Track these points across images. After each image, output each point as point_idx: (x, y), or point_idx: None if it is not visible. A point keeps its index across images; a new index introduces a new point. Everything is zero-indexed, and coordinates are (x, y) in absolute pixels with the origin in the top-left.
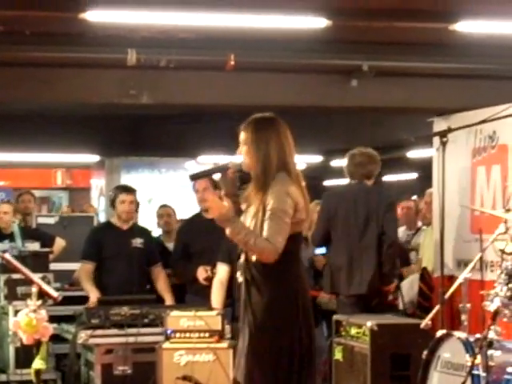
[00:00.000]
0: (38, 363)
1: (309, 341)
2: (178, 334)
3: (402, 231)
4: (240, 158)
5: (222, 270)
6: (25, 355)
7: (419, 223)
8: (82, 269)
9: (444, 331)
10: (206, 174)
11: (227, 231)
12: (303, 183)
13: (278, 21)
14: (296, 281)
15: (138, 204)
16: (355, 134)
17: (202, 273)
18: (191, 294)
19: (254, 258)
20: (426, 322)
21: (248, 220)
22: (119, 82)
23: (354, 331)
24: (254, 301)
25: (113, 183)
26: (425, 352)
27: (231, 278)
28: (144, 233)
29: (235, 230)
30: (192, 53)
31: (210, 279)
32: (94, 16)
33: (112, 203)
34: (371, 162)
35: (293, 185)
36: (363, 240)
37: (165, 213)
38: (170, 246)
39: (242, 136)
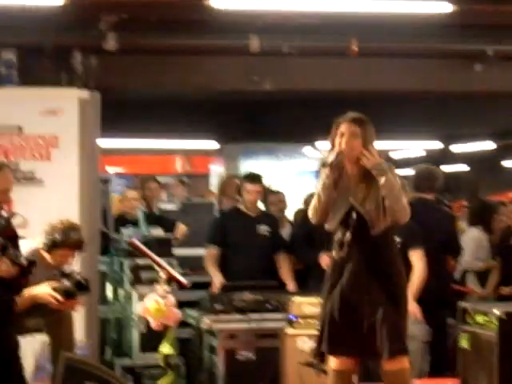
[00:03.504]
0: (166, 347)
1: None
2: (301, 320)
3: None
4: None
5: None
6: (150, 339)
7: None
8: (207, 253)
9: None
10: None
11: (382, 180)
12: None
13: (402, 6)
14: None
15: (264, 190)
16: (474, 119)
17: (324, 259)
18: (314, 280)
19: None
20: None
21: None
22: (242, 69)
23: (480, 319)
24: None
25: (231, 170)
26: None
27: None
28: (271, 220)
29: (391, 181)
30: (314, 39)
31: None
32: (217, 2)
33: (239, 191)
34: None
35: None
36: None
37: (277, 199)
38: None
39: (352, 129)
